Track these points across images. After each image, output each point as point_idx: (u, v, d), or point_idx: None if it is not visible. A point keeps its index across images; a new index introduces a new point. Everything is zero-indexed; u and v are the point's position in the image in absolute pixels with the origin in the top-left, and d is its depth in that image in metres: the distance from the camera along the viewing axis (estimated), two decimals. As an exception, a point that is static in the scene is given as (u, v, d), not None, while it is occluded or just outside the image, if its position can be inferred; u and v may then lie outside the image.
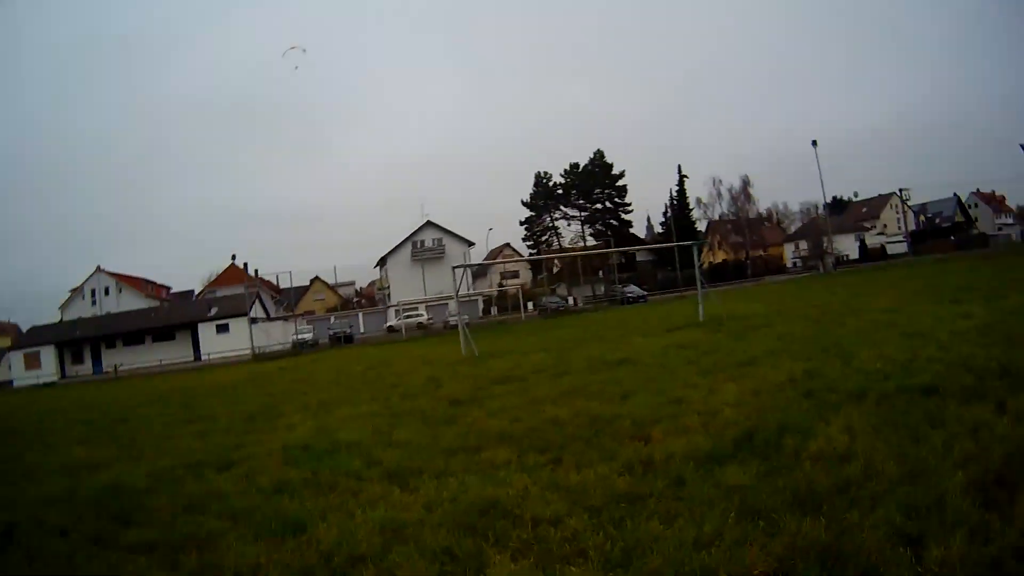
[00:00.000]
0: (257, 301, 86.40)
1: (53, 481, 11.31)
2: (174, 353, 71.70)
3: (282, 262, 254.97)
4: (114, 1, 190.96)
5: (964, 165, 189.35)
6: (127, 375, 60.72)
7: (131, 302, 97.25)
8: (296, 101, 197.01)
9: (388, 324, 76.78)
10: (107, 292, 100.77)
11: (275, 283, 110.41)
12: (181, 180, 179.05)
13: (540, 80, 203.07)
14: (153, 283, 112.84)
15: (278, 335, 72.34)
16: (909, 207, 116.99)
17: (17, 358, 73.67)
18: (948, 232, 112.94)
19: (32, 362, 71.95)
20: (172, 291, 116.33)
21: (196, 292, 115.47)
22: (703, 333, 23.55)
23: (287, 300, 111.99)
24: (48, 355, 72.64)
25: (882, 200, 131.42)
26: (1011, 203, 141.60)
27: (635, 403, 11.52)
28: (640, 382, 13.94)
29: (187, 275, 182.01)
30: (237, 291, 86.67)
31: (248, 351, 66.72)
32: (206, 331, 75.38)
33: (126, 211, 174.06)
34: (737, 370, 13.75)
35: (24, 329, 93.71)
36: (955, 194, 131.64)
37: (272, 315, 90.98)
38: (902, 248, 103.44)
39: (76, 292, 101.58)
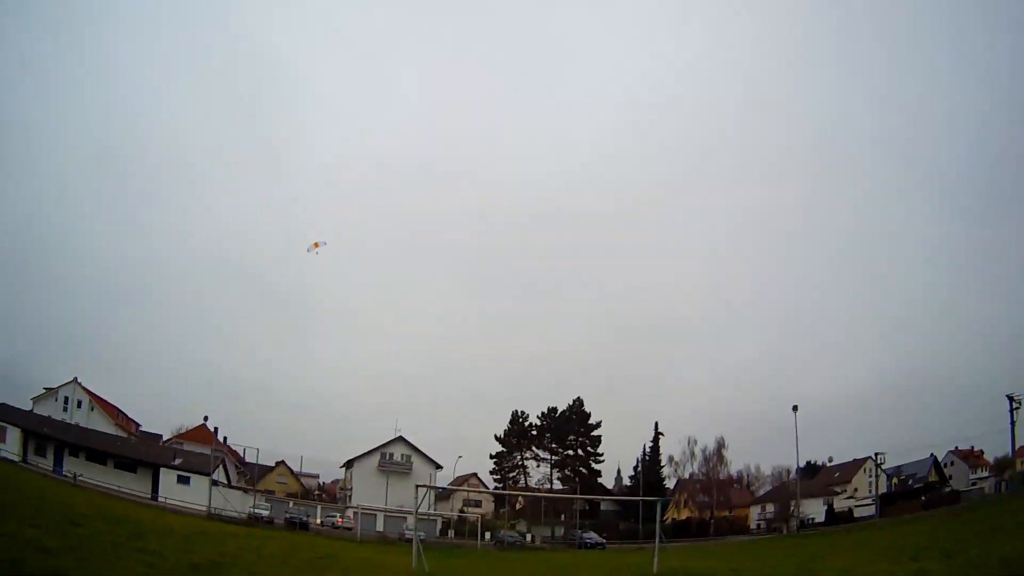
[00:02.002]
0: (221, 466, 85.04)
1: (3, 546, 11.27)
2: (133, 485, 70.01)
3: (251, 436, 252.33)
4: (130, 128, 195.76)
5: (945, 423, 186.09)
6: (85, 487, 59.48)
7: (100, 423, 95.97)
8: (296, 284, 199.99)
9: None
10: (79, 405, 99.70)
11: (241, 455, 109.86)
12: (171, 328, 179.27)
13: (529, 322, 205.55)
14: (124, 414, 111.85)
15: (235, 503, 70.90)
16: (883, 470, 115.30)
17: (-17, 426, 72.65)
18: (918, 492, 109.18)
19: (-2, 434, 70.90)
20: (140, 429, 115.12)
21: (164, 438, 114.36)
22: None
23: (250, 474, 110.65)
24: (14, 435, 71.06)
25: (856, 465, 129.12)
26: (989, 456, 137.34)
27: None
28: None
29: (155, 418, 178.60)
30: (203, 450, 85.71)
31: (204, 508, 65.27)
32: (167, 476, 73.90)
33: (112, 336, 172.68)
34: None
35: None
36: (932, 455, 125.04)
37: (233, 483, 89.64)
38: (870, 511, 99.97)
39: (50, 393, 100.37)
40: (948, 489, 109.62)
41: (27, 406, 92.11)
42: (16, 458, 67.56)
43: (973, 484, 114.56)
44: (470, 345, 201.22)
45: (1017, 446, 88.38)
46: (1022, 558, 14.92)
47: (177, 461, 77.65)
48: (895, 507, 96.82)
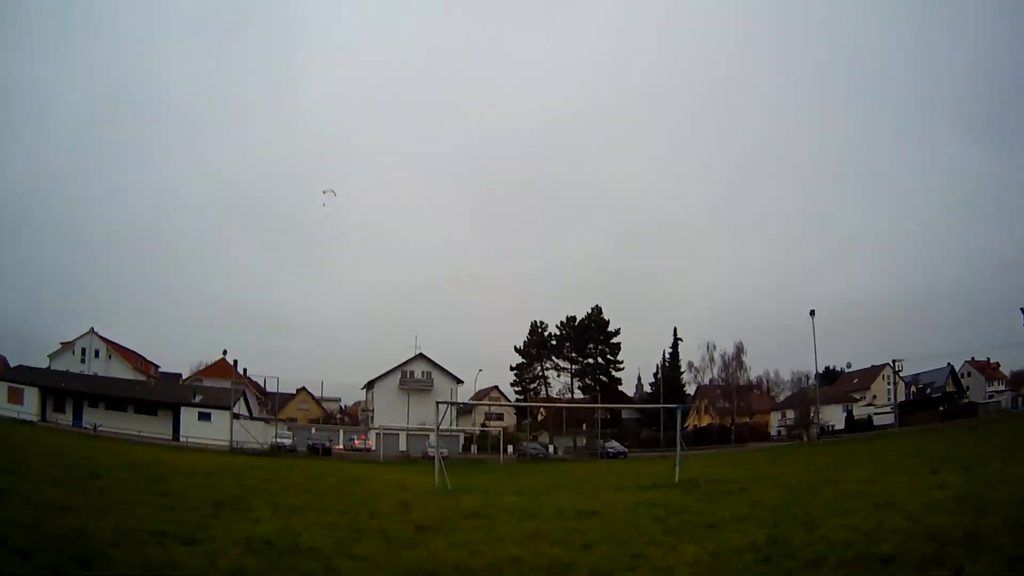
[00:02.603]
0: (242, 399, 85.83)
1: (21, 510, 11.35)
2: (154, 428, 70.58)
3: (271, 365, 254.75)
4: (142, 78, 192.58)
5: (961, 333, 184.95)
6: (106, 436, 60.01)
7: (119, 370, 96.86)
8: (310, 215, 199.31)
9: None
10: (97, 355, 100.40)
11: (262, 385, 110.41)
12: (187, 265, 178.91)
13: (547, 229, 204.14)
14: (143, 358, 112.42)
15: (258, 434, 71.51)
16: (901, 378, 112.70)
17: (1, 388, 72.90)
18: (936, 403, 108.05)
19: (15, 396, 70.70)
20: (160, 370, 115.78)
21: (183, 377, 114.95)
22: (676, 494, 23.12)
23: (271, 403, 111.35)
24: (31, 395, 71.37)
25: (874, 371, 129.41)
26: (1005, 370, 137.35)
27: (595, 553, 11.41)
28: (604, 534, 13.77)
29: (175, 359, 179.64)
30: (224, 384, 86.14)
31: (226, 443, 65.91)
32: (188, 415, 74.53)
33: (127, 282, 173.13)
34: (702, 532, 13.53)
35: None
36: (949, 364, 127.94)
37: (255, 415, 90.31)
38: (889, 419, 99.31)
39: (67, 346, 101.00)
40: (966, 400, 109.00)
41: (44, 363, 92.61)
42: (34, 418, 67.80)
43: (990, 396, 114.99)
44: (485, 261, 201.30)
45: None
46: None
47: (197, 399, 78.08)
48: (914, 416, 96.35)
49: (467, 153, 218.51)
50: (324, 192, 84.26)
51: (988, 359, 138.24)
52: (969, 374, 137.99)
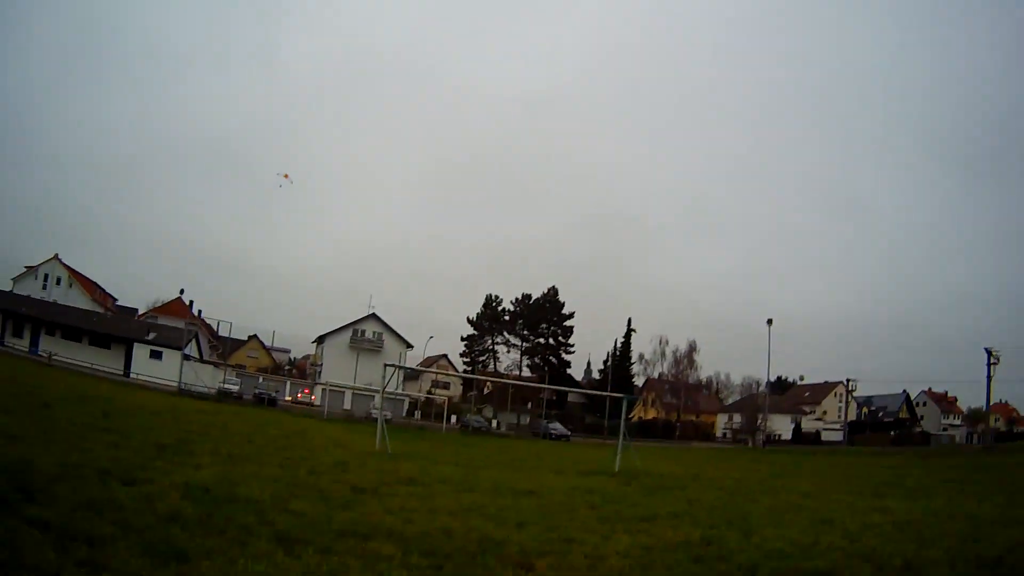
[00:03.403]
0: (194, 340, 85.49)
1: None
2: (106, 362, 70.08)
3: (226, 310, 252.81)
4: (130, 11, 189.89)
5: (922, 363, 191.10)
6: (59, 366, 59.52)
7: (77, 299, 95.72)
8: (277, 159, 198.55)
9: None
10: (58, 282, 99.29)
11: (215, 329, 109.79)
12: (156, 201, 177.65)
13: (512, 205, 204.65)
14: (102, 290, 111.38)
15: (206, 378, 71.26)
16: (854, 398, 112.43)
17: (-39, 308, 72.20)
18: (888, 427, 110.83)
19: (-26, 317, 70.51)
20: (117, 303, 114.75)
21: (139, 312, 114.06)
22: (614, 483, 22.91)
23: (222, 348, 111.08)
24: (-9, 317, 71.23)
25: (827, 387, 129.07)
26: (962, 405, 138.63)
27: (528, 533, 11.48)
28: (539, 515, 13.80)
29: (133, 293, 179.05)
30: (177, 324, 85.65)
31: (175, 384, 65.67)
32: (140, 352, 74.09)
33: (98, 211, 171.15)
34: (636, 524, 13.52)
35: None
36: (905, 391, 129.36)
37: (205, 358, 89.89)
38: (838, 436, 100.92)
39: (31, 271, 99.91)
40: (919, 429, 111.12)
41: (7, 286, 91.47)
42: (-8, 340, 67.34)
43: (944, 429, 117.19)
44: (448, 229, 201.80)
45: (992, 401, 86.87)
46: (990, 521, 14.71)
47: (151, 336, 77.50)
48: (863, 436, 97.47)
49: (440, 123, 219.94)
50: (280, 175, 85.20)
51: (946, 392, 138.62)
52: (925, 404, 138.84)
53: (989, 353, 75.66)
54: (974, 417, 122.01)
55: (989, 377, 75.65)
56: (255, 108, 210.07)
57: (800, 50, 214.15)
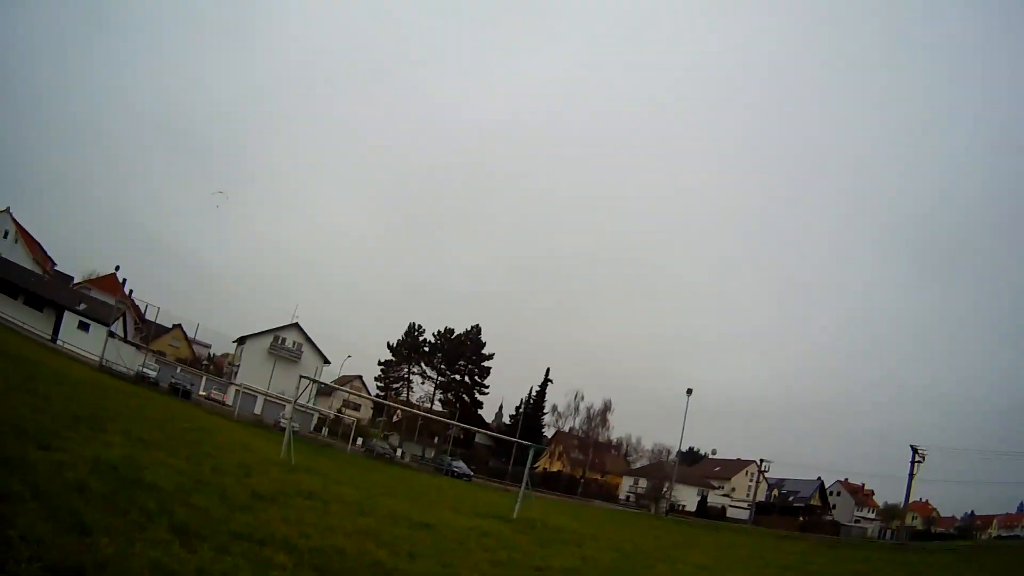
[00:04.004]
0: (122, 319, 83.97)
1: None
2: (36, 324, 68.56)
3: (156, 294, 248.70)
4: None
5: (838, 452, 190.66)
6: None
7: (20, 257, 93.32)
8: (227, 149, 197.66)
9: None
10: (5, 235, 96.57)
11: (142, 311, 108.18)
12: (110, 172, 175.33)
13: (448, 238, 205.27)
14: (43, 250, 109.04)
15: (127, 359, 70.08)
16: (766, 478, 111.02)
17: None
18: (798, 511, 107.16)
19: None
20: (55, 268, 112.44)
21: (74, 281, 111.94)
22: (511, 529, 22.85)
23: (146, 332, 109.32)
24: (-69, 265, 69.65)
25: (739, 464, 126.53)
26: (878, 499, 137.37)
27: (420, 566, 11.54)
28: (433, 550, 13.82)
29: (71, 260, 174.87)
30: (108, 300, 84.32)
31: (97, 358, 64.57)
32: (69, 321, 72.48)
33: (53, 170, 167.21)
34: (529, 572, 13.66)
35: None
36: (819, 478, 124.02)
37: (129, 338, 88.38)
38: (744, 515, 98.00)
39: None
40: (829, 518, 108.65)
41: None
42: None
43: (856, 521, 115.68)
44: (382, 252, 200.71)
45: (911, 499, 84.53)
46: None
47: (82, 306, 75.96)
48: (770, 518, 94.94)
49: (393, 144, 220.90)
50: (216, 193, 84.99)
51: (863, 485, 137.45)
52: (839, 494, 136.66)
53: (915, 451, 74.47)
54: (890, 512, 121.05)
55: (911, 474, 74.29)
56: (222, 97, 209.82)
57: (758, 119, 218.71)
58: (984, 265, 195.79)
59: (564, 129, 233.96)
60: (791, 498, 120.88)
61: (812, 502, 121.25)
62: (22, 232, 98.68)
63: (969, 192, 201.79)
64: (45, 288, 79.35)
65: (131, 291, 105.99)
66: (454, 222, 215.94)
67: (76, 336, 70.94)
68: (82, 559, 6.66)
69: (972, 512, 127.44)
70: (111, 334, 72.85)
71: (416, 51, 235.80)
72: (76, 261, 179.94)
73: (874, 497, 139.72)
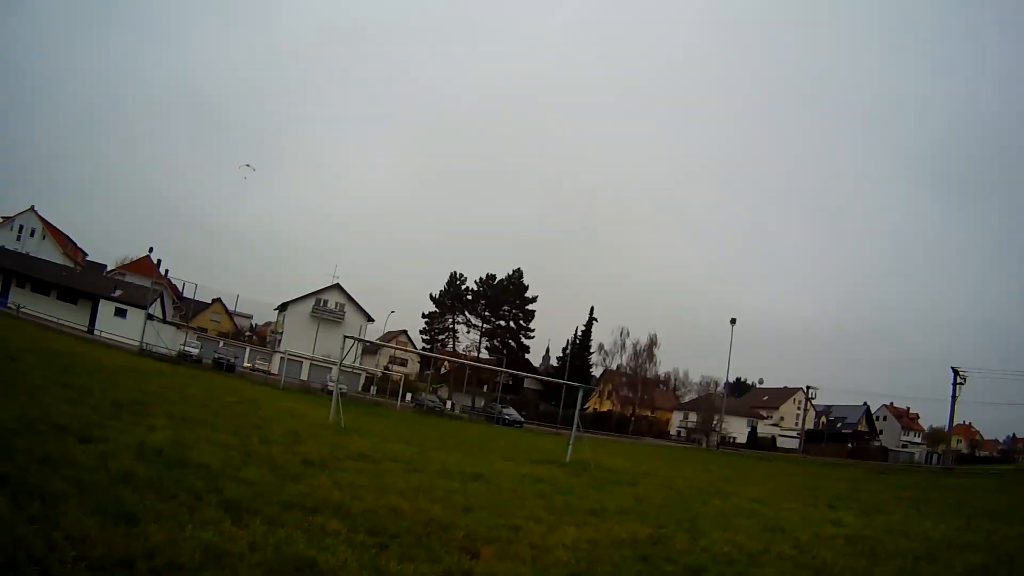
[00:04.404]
0: (159, 300, 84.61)
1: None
2: (72, 317, 69.16)
3: (192, 271, 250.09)
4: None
5: (886, 377, 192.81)
6: (26, 318, 58.81)
7: (49, 252, 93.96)
8: (260, 121, 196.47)
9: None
10: (32, 234, 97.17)
11: (180, 289, 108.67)
12: (133, 156, 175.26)
13: (484, 184, 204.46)
14: (74, 243, 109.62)
15: (168, 339, 70.37)
16: (813, 406, 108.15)
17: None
18: (846, 438, 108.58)
19: (-53, 265, 69.48)
20: (87, 258, 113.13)
21: (108, 269, 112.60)
22: (564, 473, 22.59)
23: (185, 309, 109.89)
24: (-36, 267, 70.17)
25: (786, 393, 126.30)
26: (924, 423, 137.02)
27: (475, 518, 11.32)
28: (487, 501, 13.58)
29: (103, 248, 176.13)
30: (144, 283, 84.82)
31: (137, 343, 64.90)
32: (105, 309, 73.18)
33: (76, 162, 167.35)
34: (584, 516, 13.35)
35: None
36: (865, 403, 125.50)
37: (168, 318, 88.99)
38: (794, 444, 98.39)
39: (7, 221, 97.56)
40: (877, 443, 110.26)
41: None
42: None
43: (903, 446, 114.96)
44: (418, 205, 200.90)
45: (955, 422, 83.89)
46: (945, 543, 14.36)
47: (117, 293, 76.41)
48: (819, 447, 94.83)
49: (422, 103, 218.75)
50: (243, 167, 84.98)
51: (908, 409, 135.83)
52: (885, 418, 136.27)
53: (956, 373, 74.06)
54: (935, 437, 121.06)
55: (954, 397, 73.72)
56: (244, 67, 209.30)
57: (782, 55, 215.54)
58: (1012, 186, 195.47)
59: (595, 70, 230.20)
60: (839, 424, 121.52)
61: (859, 428, 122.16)
62: (49, 228, 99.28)
63: (991, 115, 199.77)
64: (77, 280, 79.89)
65: (167, 271, 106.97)
66: (488, 169, 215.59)
67: (113, 323, 71.47)
68: (131, 550, 6.44)
69: (1014, 435, 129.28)
70: (149, 316, 73.26)
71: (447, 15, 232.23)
72: (109, 249, 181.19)
73: (919, 421, 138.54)
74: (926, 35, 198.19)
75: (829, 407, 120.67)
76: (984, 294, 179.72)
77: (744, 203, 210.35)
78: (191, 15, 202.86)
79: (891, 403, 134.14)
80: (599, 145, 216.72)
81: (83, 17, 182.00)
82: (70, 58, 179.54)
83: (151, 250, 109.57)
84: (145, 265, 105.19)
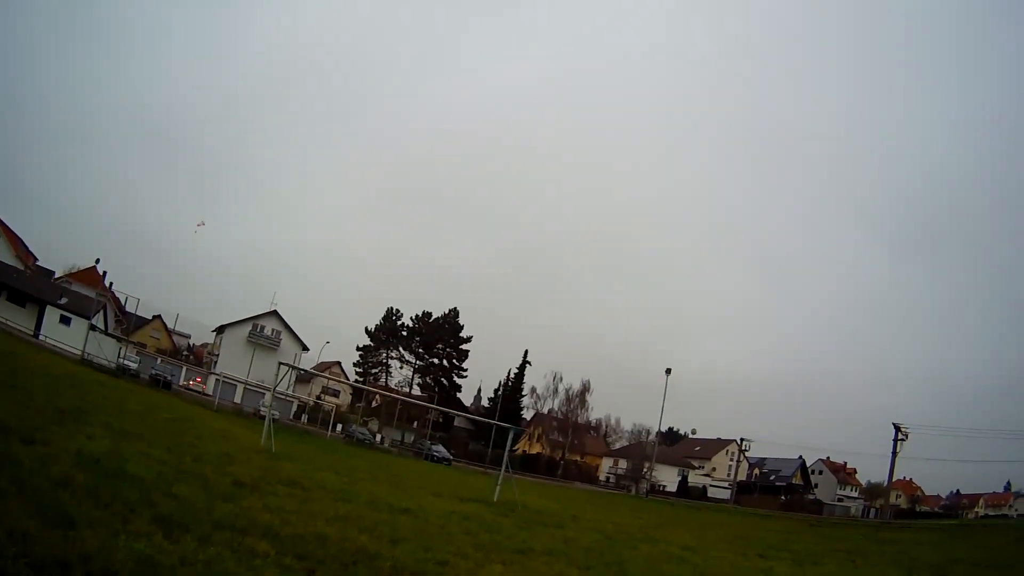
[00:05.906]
0: (102, 311, 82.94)
1: None
2: (19, 319, 67.44)
3: (136, 285, 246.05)
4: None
5: (820, 431, 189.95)
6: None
7: (2, 254, 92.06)
8: (215, 144, 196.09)
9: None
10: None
11: (123, 303, 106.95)
12: (86, 170, 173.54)
13: (428, 224, 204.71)
14: (25, 246, 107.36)
15: (108, 351, 69.28)
16: (747, 458, 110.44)
17: None
18: (779, 490, 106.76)
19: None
20: (37, 263, 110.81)
21: (56, 275, 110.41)
22: (492, 512, 22.24)
23: (127, 324, 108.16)
24: (-82, 263, 68.43)
25: (719, 444, 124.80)
26: (862, 478, 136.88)
27: (403, 550, 11.24)
28: (415, 534, 13.51)
29: (53, 254, 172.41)
30: (89, 293, 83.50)
31: (79, 352, 63.73)
32: (51, 315, 71.55)
33: (36, 166, 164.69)
34: (511, 555, 13.36)
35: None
36: (801, 457, 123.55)
37: (110, 330, 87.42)
38: (725, 494, 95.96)
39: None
40: (812, 496, 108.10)
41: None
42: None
43: (839, 500, 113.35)
44: (362, 238, 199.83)
45: (896, 477, 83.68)
46: None
47: (63, 300, 74.97)
48: (752, 498, 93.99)
49: (377, 137, 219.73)
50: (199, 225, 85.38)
51: (845, 463, 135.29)
52: (821, 472, 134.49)
53: (897, 429, 73.94)
54: (873, 491, 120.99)
55: (894, 452, 73.61)
56: (200, 89, 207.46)
57: (742, 101, 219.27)
58: (967, 245, 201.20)
59: (540, 113, 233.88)
60: (772, 477, 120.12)
61: (794, 481, 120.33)
62: (4, 228, 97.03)
63: (951, 173, 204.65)
64: (26, 283, 78.14)
65: (111, 283, 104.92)
66: (431, 209, 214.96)
67: (58, 330, 69.92)
68: (67, 553, 6.53)
69: (958, 491, 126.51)
70: (92, 327, 72.02)
71: (388, 44, 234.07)
72: (57, 256, 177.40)
73: (857, 476, 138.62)
74: (879, 95, 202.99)
75: (763, 459, 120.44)
76: (925, 350, 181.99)
77: (685, 251, 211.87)
78: (151, 31, 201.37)
79: (828, 458, 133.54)
80: (540, 191, 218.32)
81: (44, 33, 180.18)
82: (29, 65, 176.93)
83: (98, 261, 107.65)
84: (91, 275, 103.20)
